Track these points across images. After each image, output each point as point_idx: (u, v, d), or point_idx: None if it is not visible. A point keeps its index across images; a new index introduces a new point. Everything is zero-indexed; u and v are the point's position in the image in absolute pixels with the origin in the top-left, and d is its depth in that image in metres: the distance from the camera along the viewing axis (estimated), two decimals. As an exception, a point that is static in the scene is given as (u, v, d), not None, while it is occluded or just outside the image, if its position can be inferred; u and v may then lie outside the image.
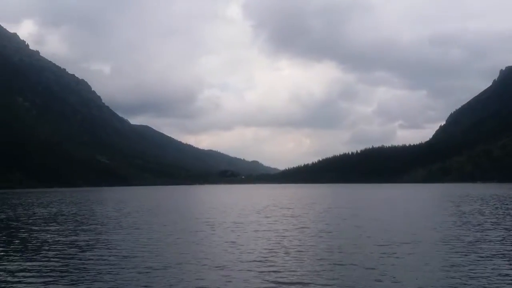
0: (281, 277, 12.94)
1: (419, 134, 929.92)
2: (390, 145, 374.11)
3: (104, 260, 15.40)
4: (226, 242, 19.59)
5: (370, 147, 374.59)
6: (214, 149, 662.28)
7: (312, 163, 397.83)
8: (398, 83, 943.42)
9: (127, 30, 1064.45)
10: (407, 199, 62.48)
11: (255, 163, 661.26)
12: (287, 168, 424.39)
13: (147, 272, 13.55)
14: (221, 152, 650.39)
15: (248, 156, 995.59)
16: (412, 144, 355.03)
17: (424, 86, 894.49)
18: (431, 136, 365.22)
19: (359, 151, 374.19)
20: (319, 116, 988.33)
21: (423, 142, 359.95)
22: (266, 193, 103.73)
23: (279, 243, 19.18)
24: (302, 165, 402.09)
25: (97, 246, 18.67)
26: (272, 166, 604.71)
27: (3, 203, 55.56)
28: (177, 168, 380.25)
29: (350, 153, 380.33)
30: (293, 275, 13.22)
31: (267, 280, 12.62)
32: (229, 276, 13.11)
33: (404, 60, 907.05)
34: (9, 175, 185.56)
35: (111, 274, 13.34)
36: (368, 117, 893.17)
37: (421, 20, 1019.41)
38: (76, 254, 16.61)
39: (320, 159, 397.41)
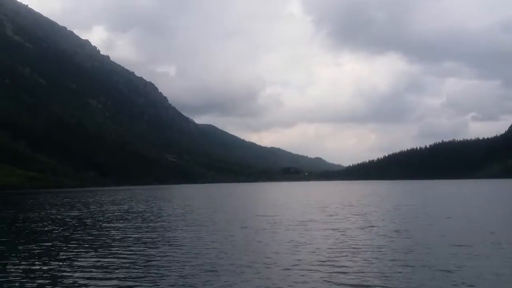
0: (348, 279, 12.31)
1: (494, 127, 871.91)
2: (461, 139, 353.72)
3: (168, 258, 15.54)
4: (290, 241, 19.14)
5: (440, 141, 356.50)
6: (276, 147, 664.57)
7: (378, 159, 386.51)
8: (469, 73, 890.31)
9: (190, 33, 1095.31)
10: (482, 196, 58.56)
11: (318, 159, 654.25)
12: (351, 165, 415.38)
13: (211, 271, 13.46)
14: (284, 149, 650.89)
15: (311, 153, 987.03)
16: (486, 137, 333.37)
17: (498, 76, 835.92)
18: (506, 129, 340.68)
19: (428, 146, 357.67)
20: (384, 110, 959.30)
21: (498, 135, 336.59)
22: (330, 190, 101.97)
23: (345, 243, 18.46)
24: (367, 161, 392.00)
25: (162, 243, 18.99)
26: (336, 162, 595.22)
27: (77, 201, 58.99)
28: (241, 166, 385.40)
29: (418, 148, 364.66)
30: (361, 277, 12.54)
31: (334, 283, 12.04)
32: (293, 277, 12.66)
33: (474, 48, 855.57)
34: (84, 173, 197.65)
35: (174, 272, 13.40)
36: (437, 110, 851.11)
37: (491, 6, 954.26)
38: (142, 252, 16.91)
39: (386, 155, 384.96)
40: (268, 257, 15.53)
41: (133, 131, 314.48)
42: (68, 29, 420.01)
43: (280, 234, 21.53)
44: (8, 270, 13.86)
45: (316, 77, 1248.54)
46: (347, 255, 15.70)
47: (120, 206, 44.39)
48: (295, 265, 14.23)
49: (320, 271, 13.26)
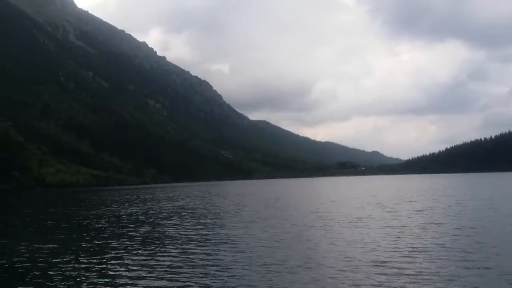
0: (407, 283, 11.49)
1: None
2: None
3: (220, 257, 15.36)
4: (345, 240, 18.41)
5: (507, 131, 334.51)
6: (331, 141, 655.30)
7: (439, 151, 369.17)
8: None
9: (243, 29, 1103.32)
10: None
11: (375, 153, 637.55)
12: (410, 158, 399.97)
13: (263, 271, 13.10)
14: (339, 143, 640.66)
15: (368, 146, 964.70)
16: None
17: None
18: None
19: (493, 137, 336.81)
20: (445, 100, 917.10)
21: None
22: (388, 184, 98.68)
23: (404, 242, 17.44)
24: (428, 154, 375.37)
25: (214, 241, 18.87)
26: (394, 156, 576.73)
27: (136, 198, 61.01)
28: (295, 161, 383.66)
29: (483, 139, 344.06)
30: (421, 280, 11.67)
31: (396, 287, 11.28)
32: (352, 279, 11.99)
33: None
34: (145, 171, 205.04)
35: (225, 272, 13.17)
36: (503, 98, 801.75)
37: None
38: (193, 250, 16.82)
39: (448, 147, 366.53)
40: (322, 257, 14.96)
41: (189, 129, 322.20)
42: (126, 32, 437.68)
43: (334, 232, 20.82)
44: (62, 266, 14.26)
45: (371, 69, 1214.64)
46: (406, 256, 14.77)
47: (175, 203, 45.31)
48: (349, 266, 13.55)
49: (376, 273, 12.51)
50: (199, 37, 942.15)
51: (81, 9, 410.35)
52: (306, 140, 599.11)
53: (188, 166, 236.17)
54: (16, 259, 15.64)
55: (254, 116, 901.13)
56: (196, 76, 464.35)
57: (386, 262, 13.88)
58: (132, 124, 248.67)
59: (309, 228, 22.49)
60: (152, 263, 14.62)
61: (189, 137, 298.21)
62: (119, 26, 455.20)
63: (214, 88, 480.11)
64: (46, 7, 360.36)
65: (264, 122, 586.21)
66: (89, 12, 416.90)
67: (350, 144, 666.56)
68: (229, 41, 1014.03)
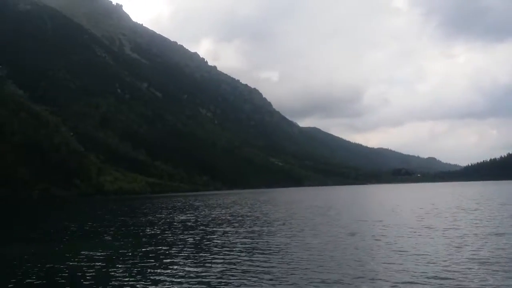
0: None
1: None
2: None
3: (268, 266, 15.03)
4: (401, 250, 17.49)
5: None
6: (384, 147, 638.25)
7: (501, 157, 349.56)
8: None
9: (292, 37, 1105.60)
10: None
11: (431, 160, 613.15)
12: (469, 164, 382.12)
13: (314, 283, 12.67)
14: (392, 149, 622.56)
15: (423, 152, 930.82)
16: None
17: None
18: None
19: None
20: (506, 103, 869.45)
21: None
22: (446, 192, 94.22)
23: (465, 254, 16.34)
24: (489, 160, 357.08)
25: (262, 250, 18.57)
26: (452, 162, 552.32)
27: (188, 204, 62.02)
28: (347, 168, 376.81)
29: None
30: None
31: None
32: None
33: None
34: (197, 178, 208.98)
35: (275, 282, 12.89)
36: None
37: None
38: (241, 258, 16.61)
39: (511, 152, 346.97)
40: (375, 269, 14.29)
41: (240, 137, 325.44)
42: (178, 43, 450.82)
43: (389, 242, 19.91)
44: (115, 273, 14.54)
45: (426, 72, 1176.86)
46: (466, 268, 13.80)
47: (225, 210, 45.57)
48: (405, 279, 12.81)
49: (433, 287, 11.73)
50: (248, 46, 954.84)
51: (136, 22, 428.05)
52: (358, 146, 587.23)
53: (239, 173, 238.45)
54: (72, 264, 16.14)
55: (304, 123, 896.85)
56: (246, 85, 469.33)
57: (444, 275, 13.03)
58: (184, 132, 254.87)
59: (362, 238, 21.69)
60: (200, 271, 14.58)
61: (240, 145, 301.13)
62: (172, 38, 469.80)
63: (264, 96, 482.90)
64: (104, 21, 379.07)
65: (315, 129, 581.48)
66: (143, 25, 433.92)
67: (405, 150, 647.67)
68: (278, 48, 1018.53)
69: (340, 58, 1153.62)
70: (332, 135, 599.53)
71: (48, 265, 16.10)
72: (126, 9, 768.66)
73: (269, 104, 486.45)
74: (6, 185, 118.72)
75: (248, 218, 34.46)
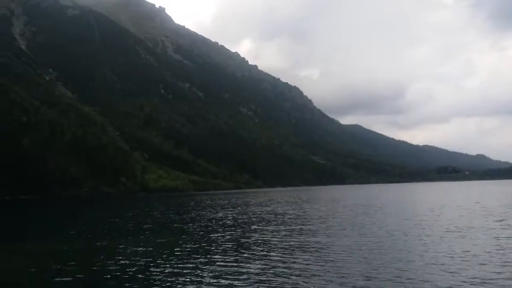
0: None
1: None
2: None
3: (307, 266, 14.73)
4: (446, 252, 16.68)
5: None
6: (429, 144, 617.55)
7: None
8: None
9: (333, 33, 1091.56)
10: None
11: (480, 157, 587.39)
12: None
13: (352, 284, 12.41)
14: (438, 146, 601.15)
15: (471, 149, 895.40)
16: None
17: None
18: None
19: None
20: None
21: None
22: (496, 191, 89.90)
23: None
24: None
25: (301, 249, 18.28)
26: (503, 159, 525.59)
27: (228, 202, 62.53)
28: (391, 166, 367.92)
29: None
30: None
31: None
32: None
33: None
34: (238, 176, 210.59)
35: (310, 281, 12.67)
36: None
37: None
38: (279, 257, 16.44)
39: None
40: (418, 271, 13.77)
41: (281, 135, 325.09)
42: (219, 43, 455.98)
43: (434, 243, 19.18)
44: (153, 270, 14.78)
45: (473, 66, 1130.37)
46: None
47: (265, 208, 45.55)
48: (451, 282, 12.26)
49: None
50: (289, 44, 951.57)
51: (178, 24, 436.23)
52: (402, 143, 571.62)
53: (280, 171, 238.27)
54: (113, 261, 16.57)
55: (346, 120, 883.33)
56: (287, 83, 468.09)
57: (492, 278, 12.39)
58: (226, 131, 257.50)
59: (405, 238, 21.01)
60: (238, 269, 14.51)
61: (281, 143, 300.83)
62: (213, 38, 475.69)
63: (304, 94, 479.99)
64: (147, 24, 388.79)
65: (357, 126, 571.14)
66: (185, 27, 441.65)
67: (451, 147, 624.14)
68: (319, 46, 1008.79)
69: (382, 54, 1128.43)
70: (374, 132, 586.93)
71: (93, 261, 16.63)
72: (168, 11, 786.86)
73: (310, 101, 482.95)
74: (57, 183, 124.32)
75: (287, 216, 34.29)
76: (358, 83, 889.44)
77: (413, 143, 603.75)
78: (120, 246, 19.97)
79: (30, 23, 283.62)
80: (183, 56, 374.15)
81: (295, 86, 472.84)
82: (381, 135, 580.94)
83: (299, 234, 23.01)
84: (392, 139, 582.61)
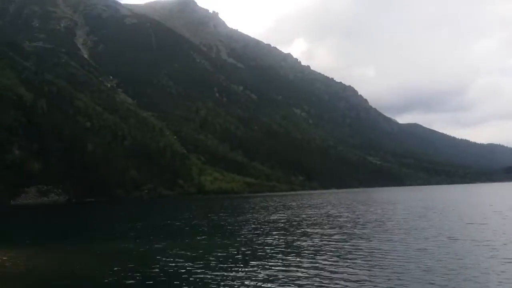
0: None
1: None
2: None
3: (355, 270, 14.38)
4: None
5: None
6: (495, 143, 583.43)
7: None
8: None
9: (388, 29, 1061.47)
10: None
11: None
12: None
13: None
14: (505, 145, 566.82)
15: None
16: None
17: None
18: None
19: None
20: None
21: None
22: None
23: None
24: None
25: (353, 253, 17.84)
26: None
27: (282, 204, 62.40)
28: (453, 166, 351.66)
29: None
30: None
31: None
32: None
33: None
34: (293, 178, 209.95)
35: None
36: None
37: None
38: (329, 262, 16.05)
39: None
40: (479, 281, 13.05)
41: (335, 136, 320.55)
42: (272, 45, 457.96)
43: (498, 250, 17.99)
44: (203, 272, 15.04)
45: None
46: None
47: (318, 210, 45.01)
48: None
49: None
50: (342, 43, 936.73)
51: (231, 28, 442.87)
52: (465, 142, 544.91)
53: (335, 172, 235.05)
54: (168, 262, 17.07)
55: (403, 119, 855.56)
56: (341, 82, 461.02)
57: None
58: (280, 133, 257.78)
59: (467, 244, 19.87)
60: (286, 274, 14.36)
61: (335, 144, 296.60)
62: (265, 40, 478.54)
63: (359, 93, 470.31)
64: (201, 30, 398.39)
65: (415, 125, 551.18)
66: (238, 30, 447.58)
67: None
68: (373, 43, 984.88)
69: (442, 49, 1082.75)
70: (435, 131, 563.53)
71: (146, 261, 17.23)
72: (221, 16, 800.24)
73: (365, 101, 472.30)
74: (120, 185, 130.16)
75: (341, 219, 33.65)
76: (416, 80, 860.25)
77: (477, 142, 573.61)
78: (175, 248, 20.51)
79: (92, 33, 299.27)
80: (236, 60, 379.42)
81: (349, 86, 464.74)
82: (442, 134, 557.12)
83: (353, 238, 22.42)
84: (454, 138, 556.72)
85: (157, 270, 15.54)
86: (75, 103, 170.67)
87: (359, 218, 34.30)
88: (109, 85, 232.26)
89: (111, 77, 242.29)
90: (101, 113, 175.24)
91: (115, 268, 15.96)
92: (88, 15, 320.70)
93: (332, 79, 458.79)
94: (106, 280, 14.36)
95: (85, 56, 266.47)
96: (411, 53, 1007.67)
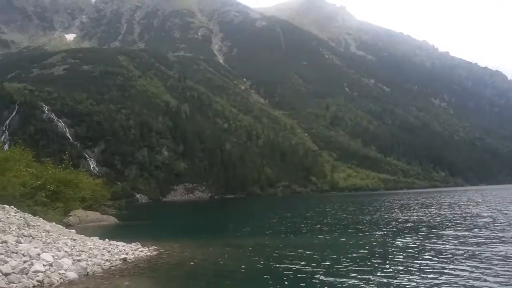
0: None
1: None
2: None
3: (491, 281, 13.43)
4: None
5: None
6: None
7: None
8: None
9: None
10: None
11: None
12: None
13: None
14: None
15: None
16: None
17: None
18: None
19: None
20: None
21: None
22: None
23: None
24: None
25: (486, 259, 16.45)
26: None
27: (417, 202, 59.13)
28: None
29: None
30: None
31: None
32: None
33: None
34: (434, 174, 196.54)
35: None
36: None
37: None
38: (461, 271, 15.03)
39: None
40: None
41: (482, 126, 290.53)
42: (405, 34, 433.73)
43: None
44: (322, 271, 15.41)
45: None
46: None
47: (457, 209, 41.74)
48: None
49: None
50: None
51: (361, 20, 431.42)
52: None
53: (482, 167, 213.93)
54: (287, 257, 17.86)
55: None
56: (486, 67, 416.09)
57: None
58: (417, 126, 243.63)
59: None
60: (407, 280, 13.68)
61: (482, 135, 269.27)
62: (398, 29, 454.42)
63: (509, 78, 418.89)
64: (329, 24, 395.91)
65: None
66: (368, 21, 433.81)
67: None
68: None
69: None
70: None
71: (281, 255, 18.25)
72: (349, 9, 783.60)
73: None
74: (256, 183, 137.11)
75: (481, 221, 30.78)
76: None
77: None
78: (302, 243, 21.15)
79: (226, 39, 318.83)
80: (366, 52, 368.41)
81: (497, 70, 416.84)
82: None
83: (490, 243, 20.42)
84: None
85: (284, 263, 16.33)
86: (214, 106, 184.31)
87: (504, 219, 31.06)
88: (243, 87, 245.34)
89: (244, 79, 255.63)
90: (236, 114, 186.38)
91: (258, 261, 17.23)
92: (222, 22, 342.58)
93: (476, 64, 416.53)
94: (246, 271, 15.60)
95: (221, 61, 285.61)
96: None
